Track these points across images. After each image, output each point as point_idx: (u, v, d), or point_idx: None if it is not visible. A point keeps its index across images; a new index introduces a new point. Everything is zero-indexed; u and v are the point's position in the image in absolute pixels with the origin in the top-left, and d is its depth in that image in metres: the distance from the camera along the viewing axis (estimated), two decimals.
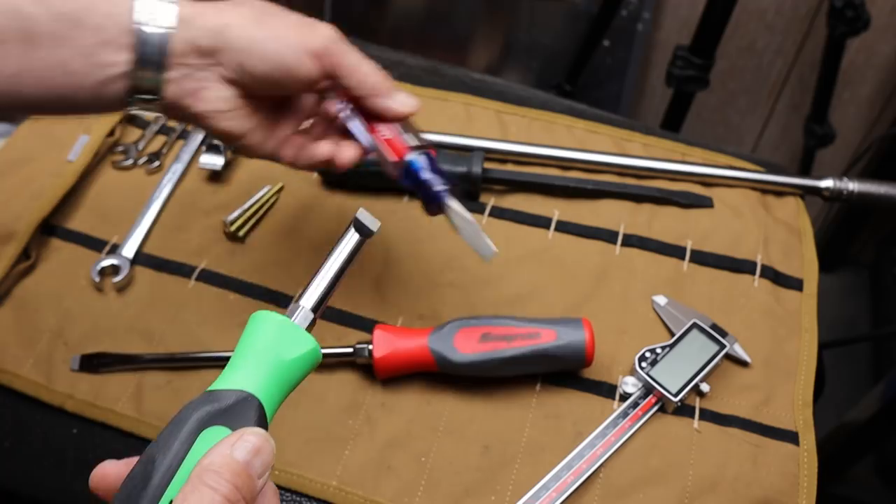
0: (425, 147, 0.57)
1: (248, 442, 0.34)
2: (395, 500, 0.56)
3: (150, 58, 0.47)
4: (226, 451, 0.34)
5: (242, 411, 0.36)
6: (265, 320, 0.40)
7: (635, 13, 1.45)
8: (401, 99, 0.54)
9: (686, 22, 1.48)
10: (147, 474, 0.33)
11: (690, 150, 0.79)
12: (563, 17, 1.52)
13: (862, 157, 1.34)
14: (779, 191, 0.76)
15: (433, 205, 0.56)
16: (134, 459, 0.35)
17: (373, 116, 0.55)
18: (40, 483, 0.58)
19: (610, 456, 0.57)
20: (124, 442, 0.59)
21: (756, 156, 0.80)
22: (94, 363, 0.62)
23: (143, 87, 0.48)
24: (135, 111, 0.53)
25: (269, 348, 0.39)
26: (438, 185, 0.55)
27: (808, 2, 1.38)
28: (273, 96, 0.54)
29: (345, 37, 0.53)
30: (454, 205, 0.56)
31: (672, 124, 1.28)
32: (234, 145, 0.54)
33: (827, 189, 0.75)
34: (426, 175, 0.56)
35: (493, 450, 0.58)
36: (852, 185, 0.74)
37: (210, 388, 0.38)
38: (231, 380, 0.38)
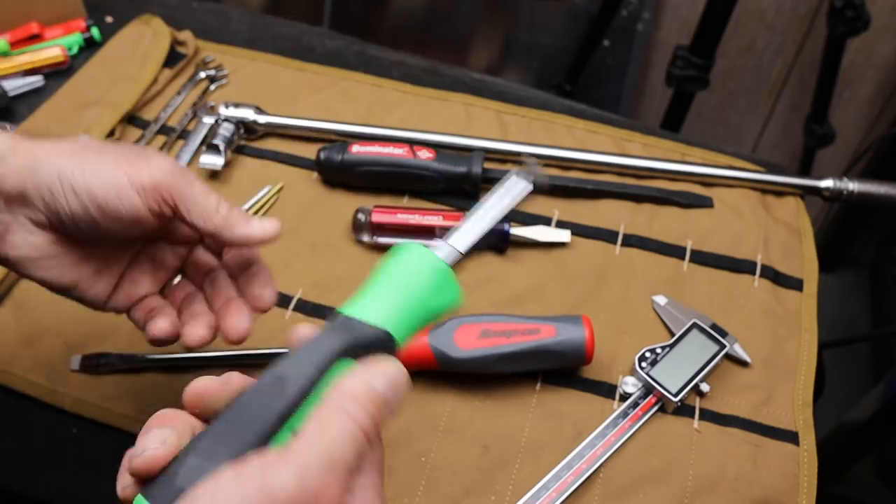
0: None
1: (387, 374, 0.33)
2: (395, 500, 0.56)
3: None
4: (367, 380, 0.33)
5: (381, 351, 0.35)
6: (421, 258, 0.37)
7: (635, 13, 1.45)
8: (259, 225, 0.45)
9: (686, 22, 1.48)
10: (278, 391, 0.32)
11: (690, 150, 0.79)
12: (563, 17, 1.52)
13: (862, 157, 1.35)
14: (779, 191, 0.76)
15: (505, 244, 0.63)
16: (234, 377, 0.34)
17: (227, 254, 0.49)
18: (40, 483, 0.58)
19: (610, 456, 0.57)
20: (124, 442, 0.59)
21: (756, 156, 0.80)
22: (94, 363, 0.62)
23: None
24: None
25: (417, 290, 0.37)
26: (500, 226, 0.60)
27: (808, 2, 1.38)
28: (109, 241, 0.46)
29: (182, 170, 0.44)
30: (516, 231, 0.64)
31: (672, 124, 1.28)
32: (70, 296, 0.47)
33: (827, 189, 0.75)
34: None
35: (492, 450, 0.58)
36: (852, 185, 0.74)
37: (347, 314, 0.36)
38: (371, 311, 0.36)
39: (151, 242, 0.49)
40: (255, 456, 0.30)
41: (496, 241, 0.68)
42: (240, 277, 0.48)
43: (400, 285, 0.37)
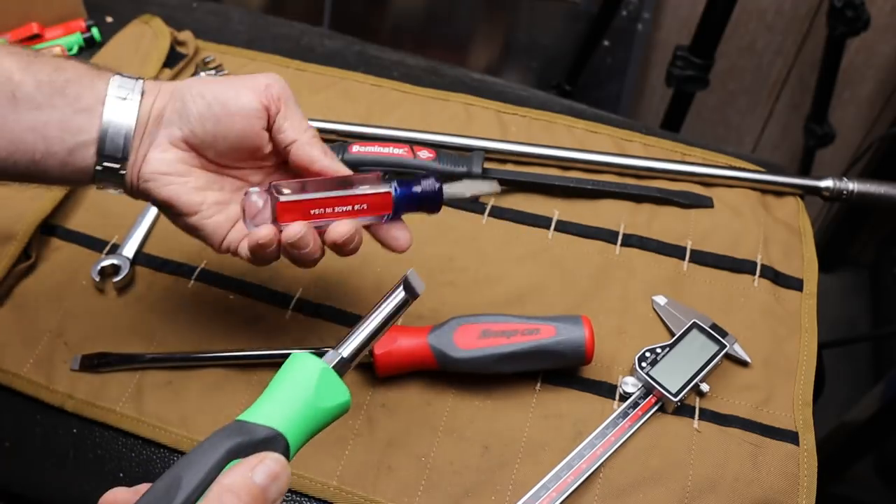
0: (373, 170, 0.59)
1: (267, 467, 0.36)
2: (395, 500, 0.56)
3: (118, 128, 0.50)
4: (246, 473, 0.35)
5: (270, 448, 0.38)
6: (306, 364, 0.42)
7: (635, 13, 1.45)
8: (331, 164, 0.54)
9: (686, 22, 1.48)
10: (172, 492, 0.35)
11: (690, 150, 0.79)
12: (563, 17, 1.52)
13: (862, 157, 1.35)
14: (779, 191, 0.76)
15: (436, 204, 0.55)
16: (143, 487, 0.37)
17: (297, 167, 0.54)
18: (40, 483, 0.58)
19: (610, 456, 0.57)
20: (124, 442, 0.59)
21: (756, 156, 0.80)
22: (94, 363, 0.62)
23: (110, 155, 0.50)
24: (100, 188, 0.53)
25: (305, 392, 0.41)
26: (429, 186, 0.54)
27: (808, 2, 1.38)
28: (227, 159, 0.53)
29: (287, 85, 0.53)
30: (449, 189, 0.55)
31: (672, 124, 1.28)
32: (192, 228, 0.53)
33: (827, 189, 0.75)
34: (417, 188, 0.54)
35: (492, 450, 0.58)
36: (852, 185, 0.74)
37: (241, 418, 0.39)
38: (263, 414, 0.39)
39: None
40: None
41: (430, 200, 0.56)
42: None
43: (288, 389, 0.41)
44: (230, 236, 0.53)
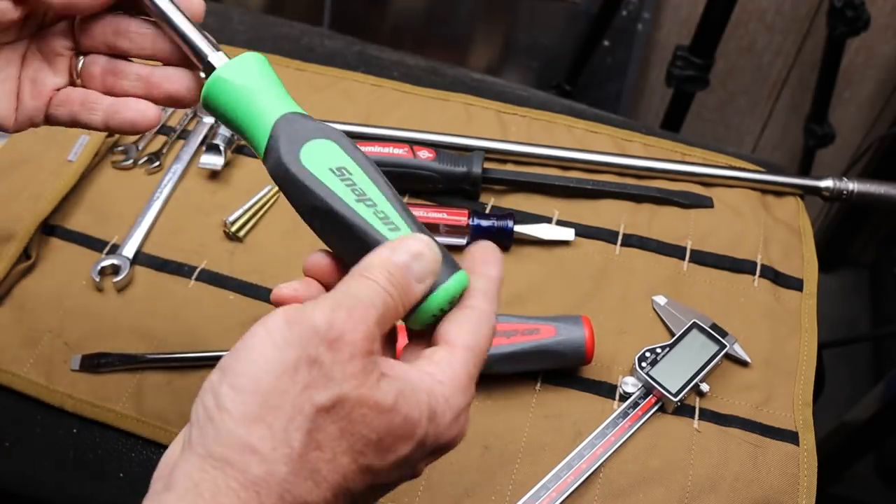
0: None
1: (407, 246, 0.36)
2: (396, 500, 0.56)
3: None
4: (386, 253, 0.36)
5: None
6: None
7: (635, 13, 1.45)
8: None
9: (686, 22, 1.48)
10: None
11: (690, 150, 0.79)
12: (563, 17, 1.52)
13: (862, 157, 1.35)
14: (779, 191, 0.76)
15: (509, 241, 0.68)
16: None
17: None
18: (40, 483, 0.58)
19: (610, 456, 0.57)
20: (124, 442, 0.59)
21: (756, 156, 0.80)
22: (94, 363, 0.62)
23: None
24: None
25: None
26: (503, 223, 0.68)
27: (808, 2, 1.38)
28: None
29: None
30: (519, 229, 0.68)
31: (672, 124, 1.28)
32: None
33: (827, 189, 0.75)
34: (488, 223, 0.68)
35: (493, 450, 0.58)
36: (852, 185, 0.74)
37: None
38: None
39: (31, 39, 0.45)
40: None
41: (500, 238, 0.68)
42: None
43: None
44: (23, 109, 0.44)
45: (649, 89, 1.62)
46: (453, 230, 0.68)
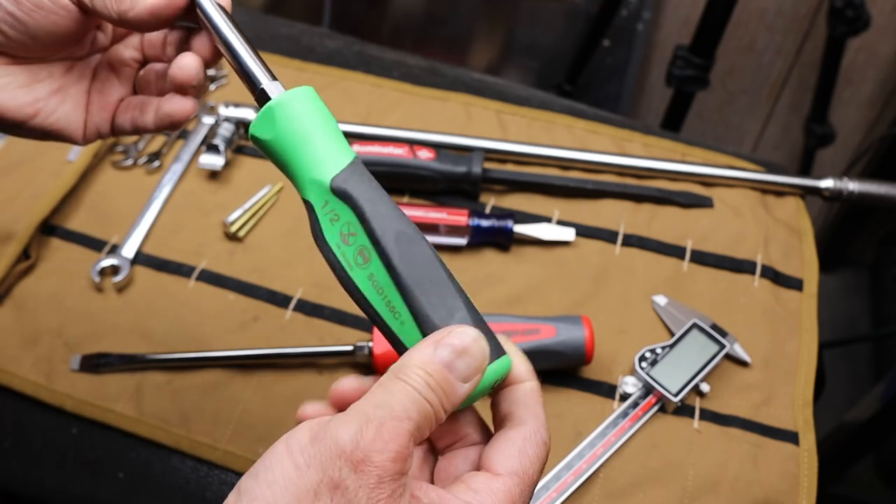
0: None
1: (452, 341, 0.33)
2: None
3: None
4: (428, 350, 0.33)
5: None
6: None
7: (635, 13, 1.45)
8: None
9: (686, 22, 1.48)
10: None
11: (690, 150, 0.79)
12: (563, 17, 1.52)
13: (862, 157, 1.35)
14: (779, 191, 0.76)
15: (509, 241, 0.69)
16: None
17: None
18: (40, 483, 0.58)
19: (610, 456, 0.57)
20: (124, 442, 0.59)
21: (756, 156, 0.80)
22: (94, 363, 0.62)
23: None
24: None
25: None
26: (504, 223, 0.68)
27: (808, 2, 1.38)
28: (44, 49, 0.43)
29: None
30: (519, 229, 0.68)
31: (672, 124, 1.28)
32: (44, 132, 0.45)
33: (827, 189, 0.75)
34: (489, 223, 0.68)
35: None
36: (852, 185, 0.74)
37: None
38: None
39: (101, 53, 0.47)
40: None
41: (500, 238, 0.68)
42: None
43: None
44: (91, 121, 0.46)
45: (649, 89, 1.62)
46: (453, 230, 0.68)
